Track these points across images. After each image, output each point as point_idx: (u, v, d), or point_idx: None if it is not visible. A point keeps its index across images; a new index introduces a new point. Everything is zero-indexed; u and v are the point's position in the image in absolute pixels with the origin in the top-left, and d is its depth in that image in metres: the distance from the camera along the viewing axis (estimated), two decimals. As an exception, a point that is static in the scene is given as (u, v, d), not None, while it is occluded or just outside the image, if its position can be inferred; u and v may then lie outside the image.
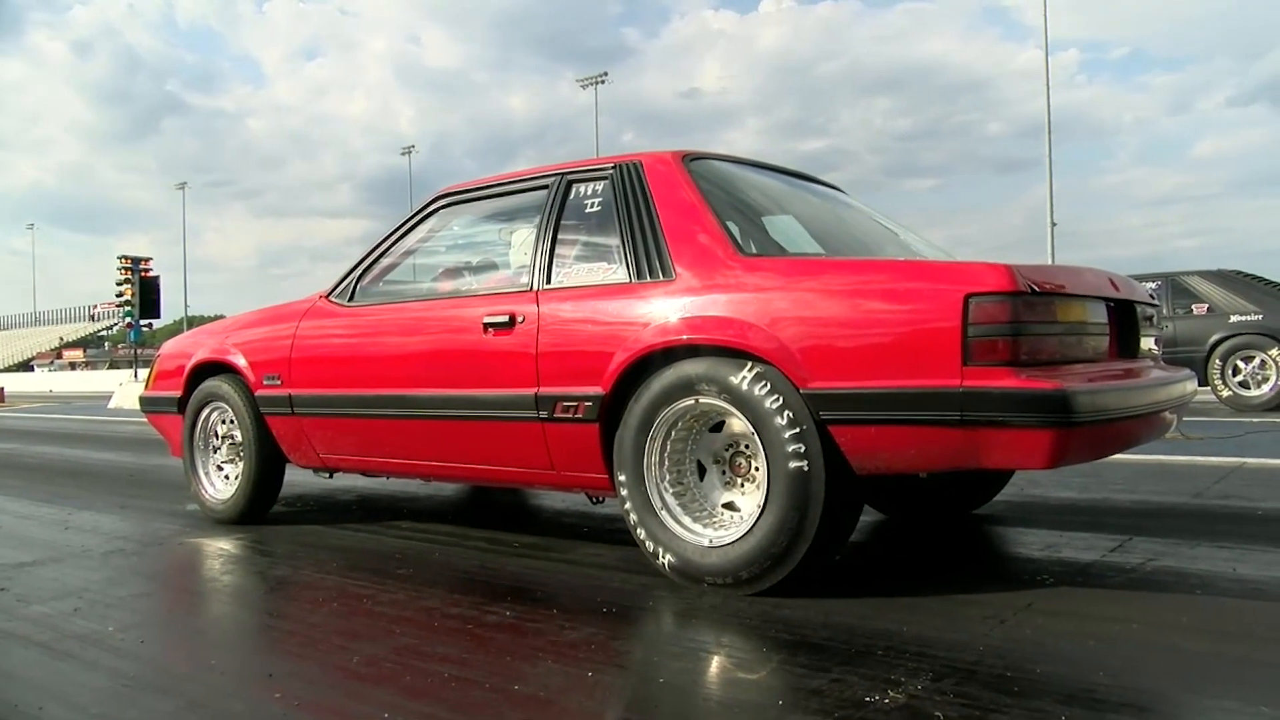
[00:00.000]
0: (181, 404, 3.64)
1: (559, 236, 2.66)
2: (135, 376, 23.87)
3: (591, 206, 2.65)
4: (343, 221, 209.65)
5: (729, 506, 2.31)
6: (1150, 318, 2.58)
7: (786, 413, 2.09)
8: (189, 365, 3.61)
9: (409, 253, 3.17)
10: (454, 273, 3.07)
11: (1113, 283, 2.33)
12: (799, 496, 2.08)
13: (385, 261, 3.18)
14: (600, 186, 2.66)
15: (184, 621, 2.33)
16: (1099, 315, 2.20)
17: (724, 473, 2.33)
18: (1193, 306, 8.35)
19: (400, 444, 2.96)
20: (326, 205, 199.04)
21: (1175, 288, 8.43)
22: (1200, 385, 6.69)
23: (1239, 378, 8.12)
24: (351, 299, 3.17)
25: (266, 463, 3.35)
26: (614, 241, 2.53)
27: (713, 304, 2.25)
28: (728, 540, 2.19)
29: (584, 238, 2.64)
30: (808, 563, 2.11)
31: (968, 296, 1.91)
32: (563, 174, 2.76)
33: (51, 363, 60.78)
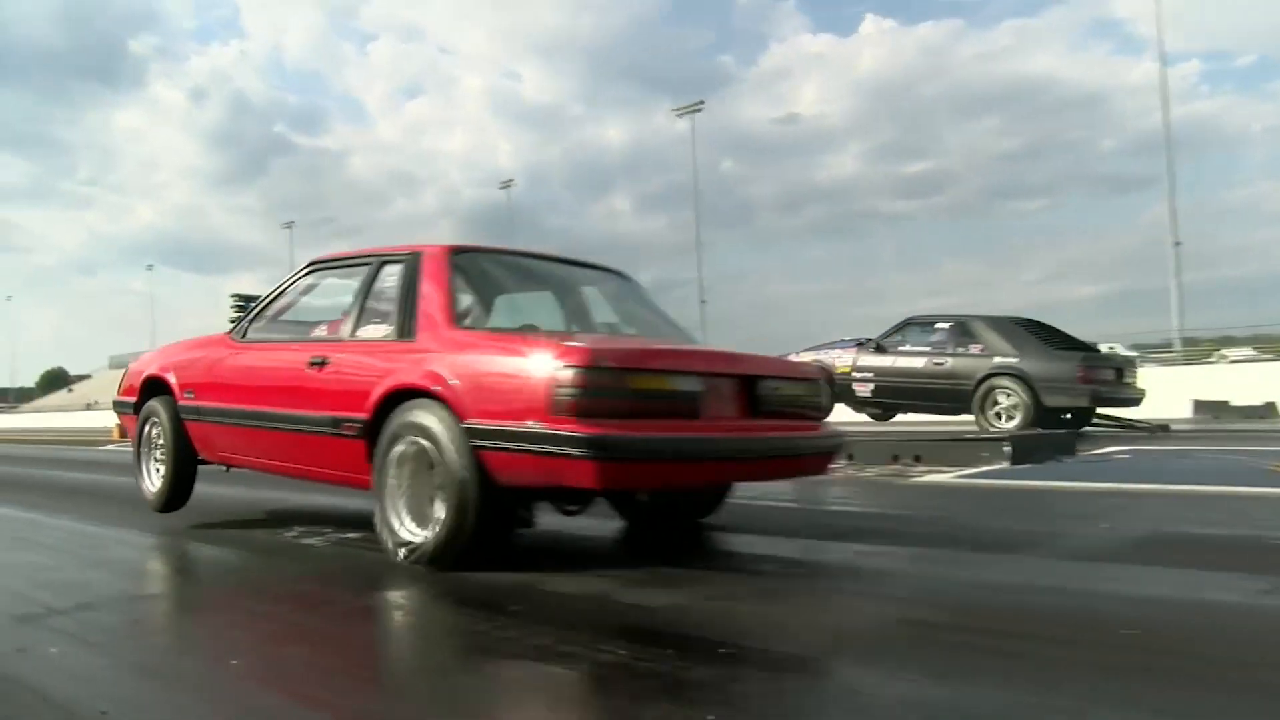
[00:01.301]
0: (137, 408, 4.49)
1: (367, 301, 3.53)
2: None
3: (389, 280, 3.49)
4: None
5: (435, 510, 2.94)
6: (777, 390, 3.26)
7: (453, 441, 2.87)
8: (144, 377, 4.47)
9: (283, 304, 4.10)
10: (303, 323, 3.97)
11: (728, 361, 3.24)
12: (459, 503, 2.84)
13: (269, 309, 4.10)
14: (398, 267, 3.48)
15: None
16: (690, 385, 2.95)
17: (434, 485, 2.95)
18: (971, 347, 9.34)
19: (263, 448, 3.80)
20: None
21: (962, 330, 9.53)
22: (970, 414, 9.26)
23: (995, 410, 9.08)
24: (243, 337, 4.09)
25: (181, 457, 4.20)
26: (394, 308, 3.37)
27: (429, 360, 3.07)
28: (433, 535, 2.90)
29: (380, 304, 3.48)
30: (475, 548, 2.84)
31: (556, 367, 2.71)
32: (381, 256, 3.63)
33: None
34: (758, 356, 3.45)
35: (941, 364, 9.41)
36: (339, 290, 3.86)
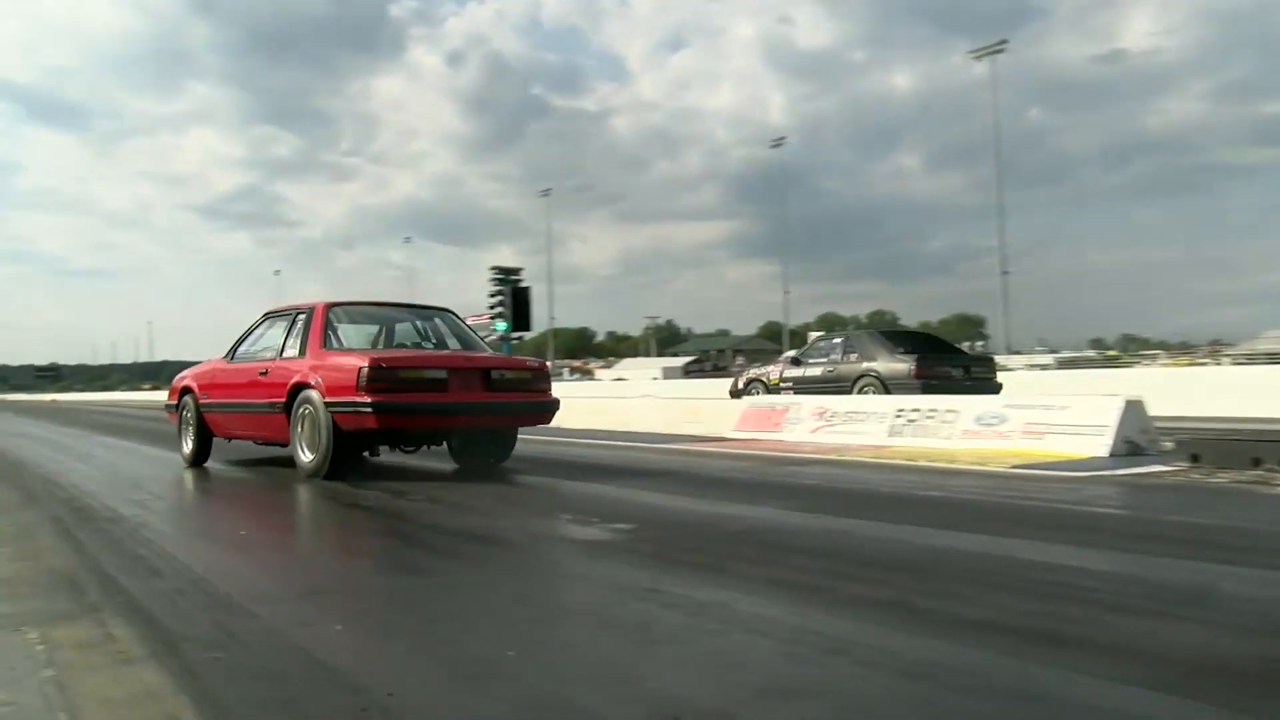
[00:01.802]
0: (177, 406, 7.82)
1: (289, 335, 6.53)
2: None
3: (299, 323, 6.50)
4: (706, 225, 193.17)
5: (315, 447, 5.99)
6: (504, 376, 6.28)
7: (322, 407, 5.80)
8: (180, 386, 7.85)
9: (251, 336, 7.30)
10: (260, 349, 7.01)
11: (467, 360, 6.23)
12: (326, 441, 5.77)
13: (244, 341, 7.34)
14: (303, 316, 6.52)
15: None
16: (438, 374, 5.86)
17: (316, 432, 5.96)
18: (849, 356, 12.30)
19: (241, 424, 6.99)
20: (690, 207, 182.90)
21: (845, 343, 12.69)
22: None
23: None
24: (231, 359, 7.32)
25: (202, 434, 7.38)
26: (299, 339, 6.38)
27: (312, 368, 6.02)
28: (315, 460, 5.90)
29: (294, 337, 6.47)
30: (336, 467, 5.82)
31: (361, 367, 5.62)
32: (296, 309, 6.72)
33: None
34: (493, 355, 7.17)
35: (832, 370, 12.57)
36: (279, 327, 6.89)
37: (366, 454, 6.47)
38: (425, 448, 6.70)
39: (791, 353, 13.97)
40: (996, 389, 11.71)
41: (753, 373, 14.00)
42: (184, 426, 7.60)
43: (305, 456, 6.02)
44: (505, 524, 4.45)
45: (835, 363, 12.61)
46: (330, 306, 6.48)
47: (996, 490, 5.34)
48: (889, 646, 2.28)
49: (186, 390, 7.62)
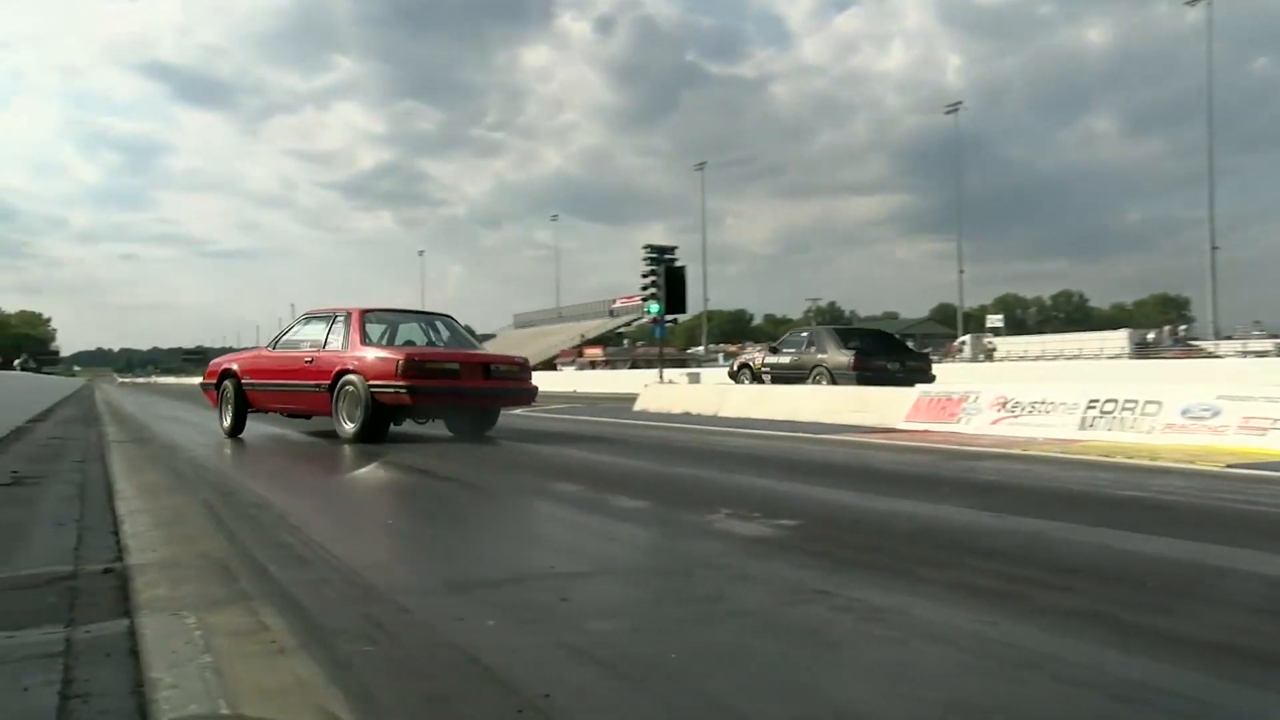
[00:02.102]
0: (216, 386, 9.54)
1: (331, 332, 8.64)
2: (661, 378, 21.38)
3: (338, 322, 8.65)
4: (873, 199, 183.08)
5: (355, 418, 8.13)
6: (500, 368, 8.66)
7: (363, 388, 7.93)
8: (220, 369, 9.51)
9: (291, 333, 9.25)
10: (302, 341, 9.01)
11: (472, 358, 8.61)
12: (366, 414, 7.93)
13: (285, 335, 9.30)
14: (341, 317, 8.64)
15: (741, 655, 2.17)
16: (453, 366, 8.25)
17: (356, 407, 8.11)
18: (809, 348, 14.81)
19: (284, 400, 8.93)
20: (855, 180, 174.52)
21: (809, 338, 15.36)
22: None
23: None
24: (274, 348, 9.27)
25: (240, 409, 9.15)
26: (342, 335, 8.50)
27: (354, 358, 8.19)
28: (355, 428, 8.03)
29: (337, 334, 8.57)
30: (371, 435, 7.93)
31: (398, 358, 7.88)
32: (333, 312, 8.83)
33: (573, 360, 60.21)
34: (492, 354, 9.20)
35: (797, 360, 14.95)
36: (319, 325, 8.95)
37: (394, 424, 8.47)
38: (430, 421, 9.17)
39: (772, 344, 16.53)
40: (930, 379, 13.87)
41: (744, 358, 16.82)
42: (224, 404, 9.33)
43: (346, 425, 8.12)
44: (660, 518, 4.38)
45: (800, 353, 15.03)
46: (365, 312, 8.78)
47: (1210, 492, 4.82)
48: (1092, 663, 2.05)
49: (227, 373, 9.35)
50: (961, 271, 48.15)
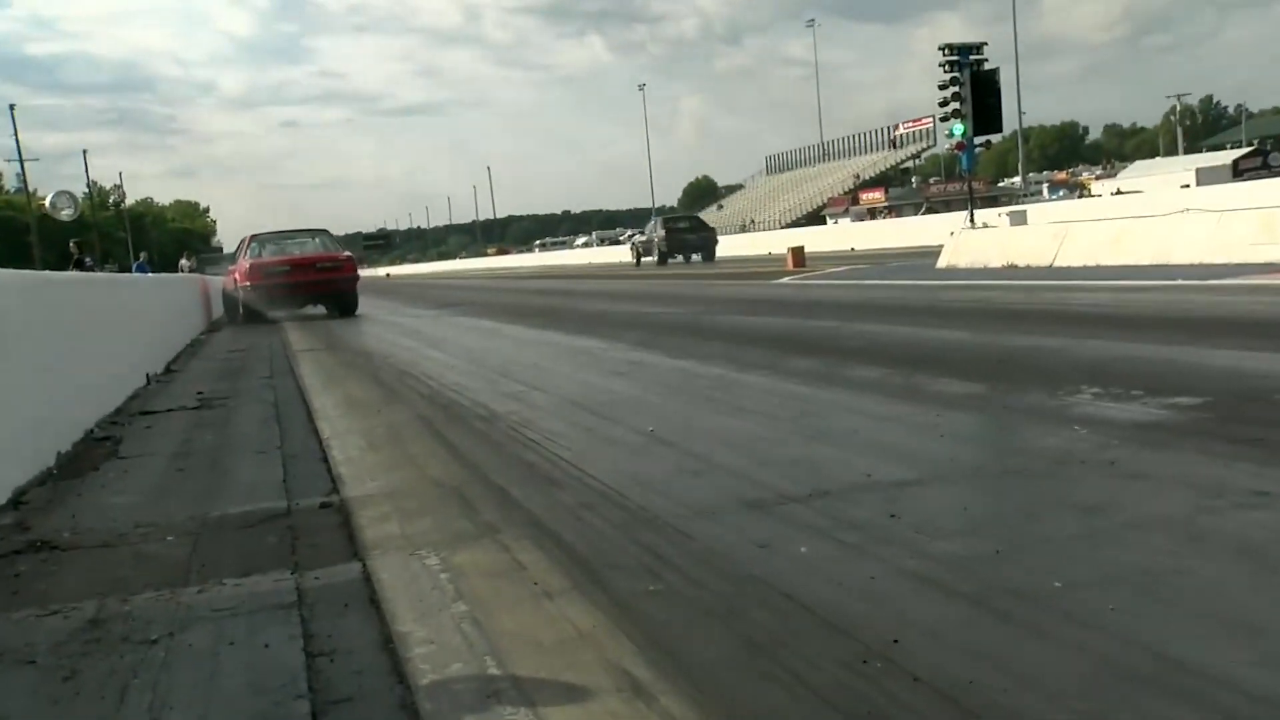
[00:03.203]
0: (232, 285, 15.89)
1: (239, 251, 15.26)
2: (972, 221, 16.39)
3: (243, 244, 15.04)
4: None
5: None
6: (321, 264, 13.98)
7: (235, 287, 15.22)
8: (237, 273, 14.47)
9: (255, 244, 14.91)
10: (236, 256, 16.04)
11: (302, 259, 13.81)
12: (241, 304, 14.67)
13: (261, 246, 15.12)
14: (247, 240, 14.84)
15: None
16: (285, 267, 13.66)
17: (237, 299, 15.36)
18: (647, 226, 29.79)
19: (227, 300, 16.06)
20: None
21: (653, 221, 29.39)
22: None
23: (650, 255, 28.12)
24: (232, 264, 16.53)
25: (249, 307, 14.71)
26: (243, 253, 14.68)
27: (238, 269, 14.53)
28: (242, 313, 15.12)
29: (241, 252, 14.87)
30: (250, 318, 14.13)
31: (250, 265, 13.57)
32: (252, 236, 15.23)
33: (846, 209, 47.51)
34: (317, 254, 13.78)
35: (646, 237, 28.04)
36: (274, 243, 14.72)
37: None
38: (314, 306, 13.95)
39: (639, 229, 29.49)
40: (711, 248, 26.00)
41: (638, 238, 27.14)
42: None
43: (240, 312, 13.72)
44: (1000, 403, 3.57)
45: (651, 233, 26.80)
46: (253, 236, 14.18)
47: None
48: None
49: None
50: None
